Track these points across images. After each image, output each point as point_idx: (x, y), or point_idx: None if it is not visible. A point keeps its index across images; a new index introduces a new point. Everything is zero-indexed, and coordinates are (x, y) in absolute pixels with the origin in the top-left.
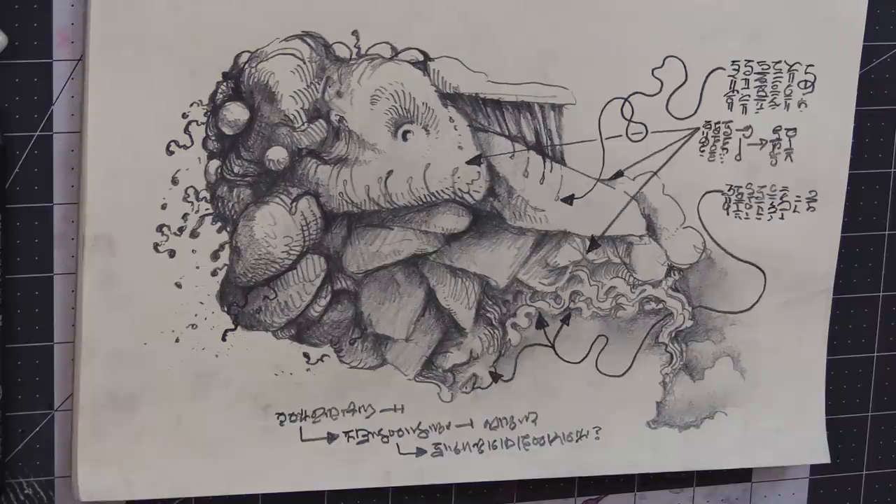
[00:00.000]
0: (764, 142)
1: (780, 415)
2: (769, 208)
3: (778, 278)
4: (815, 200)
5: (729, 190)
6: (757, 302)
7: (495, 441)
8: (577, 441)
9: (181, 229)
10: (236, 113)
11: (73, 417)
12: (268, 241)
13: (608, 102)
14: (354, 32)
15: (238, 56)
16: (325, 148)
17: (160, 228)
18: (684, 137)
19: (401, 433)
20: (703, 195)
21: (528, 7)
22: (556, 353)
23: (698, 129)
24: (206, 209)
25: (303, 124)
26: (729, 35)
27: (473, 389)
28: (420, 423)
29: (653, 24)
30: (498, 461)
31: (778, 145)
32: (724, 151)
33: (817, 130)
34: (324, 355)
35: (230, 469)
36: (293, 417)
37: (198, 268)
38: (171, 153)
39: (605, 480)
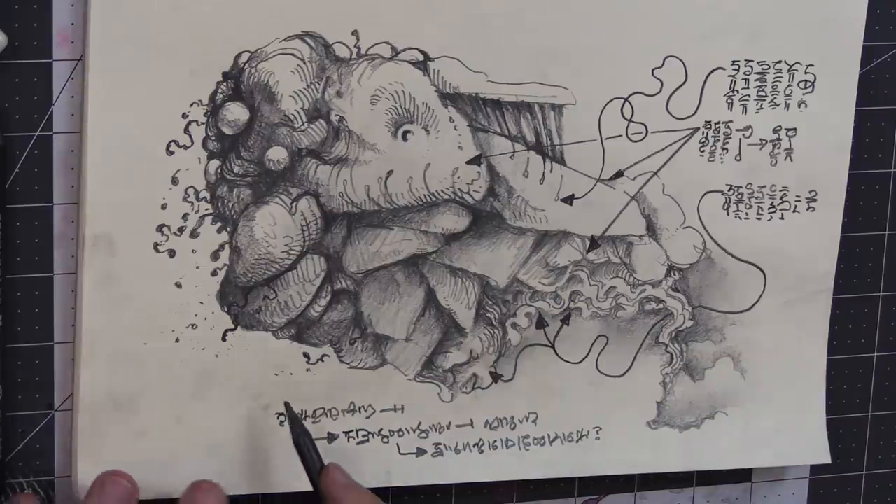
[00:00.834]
0: (764, 142)
1: (781, 415)
2: (769, 208)
3: (778, 278)
4: (815, 200)
5: (729, 190)
6: (757, 302)
7: (495, 441)
8: (577, 441)
9: (181, 229)
10: (236, 113)
11: (73, 417)
12: (268, 241)
13: (608, 102)
14: (354, 32)
15: (238, 56)
16: (325, 148)
17: (160, 228)
18: (684, 137)
19: (401, 433)
20: (703, 195)
21: (528, 7)
22: (557, 354)
23: (698, 129)
24: (206, 209)
25: (303, 124)
26: (729, 35)
27: (473, 389)
28: (420, 424)
29: (653, 24)
30: (498, 461)
31: (778, 145)
32: (724, 151)
33: (817, 130)
34: (324, 355)
35: (230, 468)
36: None
37: (198, 268)
38: (171, 153)
39: (606, 480)
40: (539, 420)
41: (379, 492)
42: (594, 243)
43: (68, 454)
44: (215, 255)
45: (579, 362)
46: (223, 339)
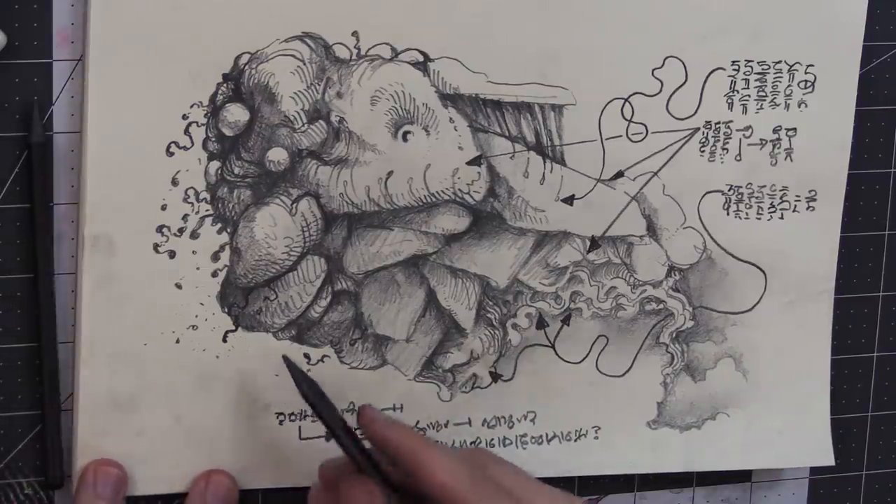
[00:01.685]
0: (764, 142)
1: (784, 416)
2: (769, 208)
3: (778, 278)
4: (815, 200)
5: (729, 190)
6: (758, 302)
7: (493, 439)
8: (575, 441)
9: (181, 230)
10: (236, 114)
11: (73, 417)
12: (268, 242)
13: (608, 103)
14: (354, 33)
15: (238, 57)
16: (325, 149)
17: (160, 229)
18: (684, 138)
19: None
20: (704, 195)
21: (528, 7)
22: (557, 354)
23: (698, 129)
24: (207, 210)
25: (303, 125)
26: (729, 35)
27: (473, 389)
28: (418, 422)
29: (653, 24)
30: None
31: (778, 145)
32: (725, 151)
33: (817, 130)
34: (324, 356)
35: (230, 466)
36: (293, 417)
37: (198, 269)
38: (171, 154)
39: (605, 480)
40: (537, 419)
41: None
42: (594, 244)
43: (68, 454)
44: (216, 256)
45: (579, 362)
46: (224, 340)
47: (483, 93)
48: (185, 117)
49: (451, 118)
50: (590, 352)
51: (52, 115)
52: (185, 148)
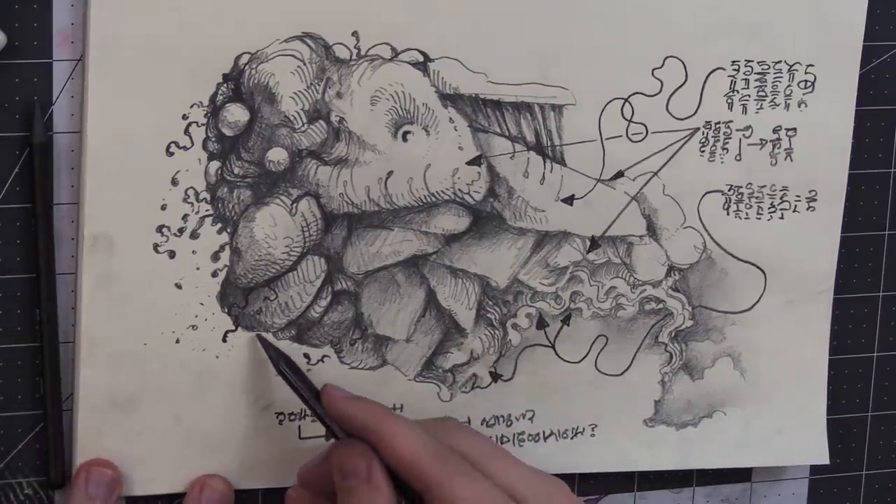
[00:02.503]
0: (764, 142)
1: (781, 415)
2: (769, 208)
3: (778, 278)
4: (815, 200)
5: (729, 190)
6: (757, 302)
7: (491, 438)
8: (571, 438)
9: (181, 230)
10: (236, 114)
11: (73, 417)
12: (268, 242)
13: (608, 103)
14: (354, 33)
15: (238, 57)
16: (325, 149)
17: (160, 229)
18: (684, 138)
19: None
20: (704, 195)
21: (529, 7)
22: (557, 354)
23: (698, 129)
24: (207, 210)
25: (303, 125)
26: (729, 35)
27: (473, 389)
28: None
29: (653, 24)
30: None
31: (778, 145)
32: (724, 151)
33: (817, 130)
34: (324, 356)
35: (230, 466)
36: (292, 416)
37: (198, 269)
38: (171, 154)
39: (605, 480)
40: (536, 417)
41: None
42: (594, 244)
43: (69, 454)
44: (215, 256)
45: (579, 362)
46: (223, 340)
47: (483, 93)
48: (185, 117)
49: (451, 118)
50: (589, 351)
51: (53, 115)
52: (185, 148)
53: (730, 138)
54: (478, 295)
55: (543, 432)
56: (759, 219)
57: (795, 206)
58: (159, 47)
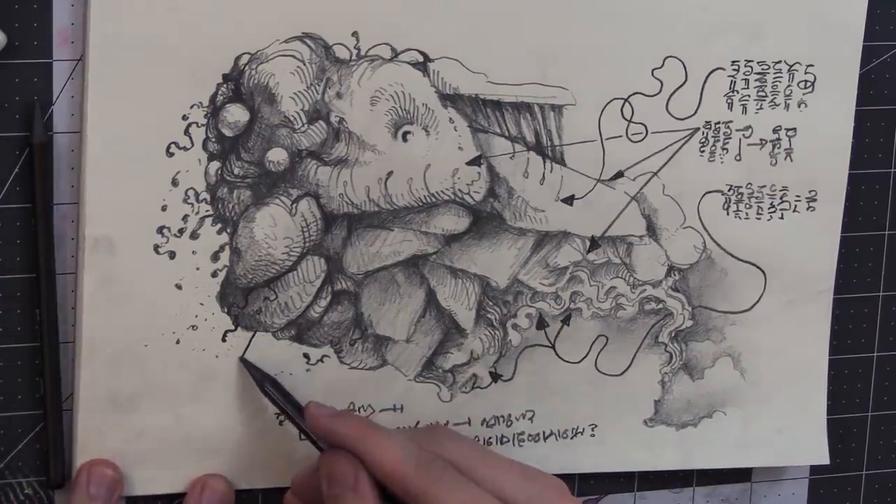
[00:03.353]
0: (764, 142)
1: (781, 415)
2: (769, 208)
3: (778, 278)
4: (815, 200)
5: (729, 190)
6: (757, 302)
7: (490, 438)
8: (571, 438)
9: (181, 231)
10: (236, 114)
11: (73, 417)
12: (268, 243)
13: (608, 103)
14: (354, 34)
15: (238, 58)
16: (325, 149)
17: (160, 230)
18: (684, 138)
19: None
20: (703, 195)
21: (528, 7)
22: (557, 354)
23: (698, 129)
24: (207, 210)
25: (303, 125)
26: (729, 35)
27: (473, 389)
28: (418, 423)
29: (653, 24)
30: None
31: (778, 145)
32: (724, 151)
33: (817, 130)
34: (324, 356)
35: (230, 466)
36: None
37: (198, 269)
38: (171, 154)
39: (605, 480)
40: (535, 417)
41: None
42: (594, 244)
43: (69, 454)
44: (215, 257)
45: (579, 362)
46: (223, 340)
47: (483, 93)
48: (185, 118)
49: (450, 118)
50: (589, 351)
51: (53, 115)
52: (185, 148)
53: (730, 138)
54: (478, 295)
55: (543, 432)
56: (759, 219)
57: (795, 206)
58: (159, 47)
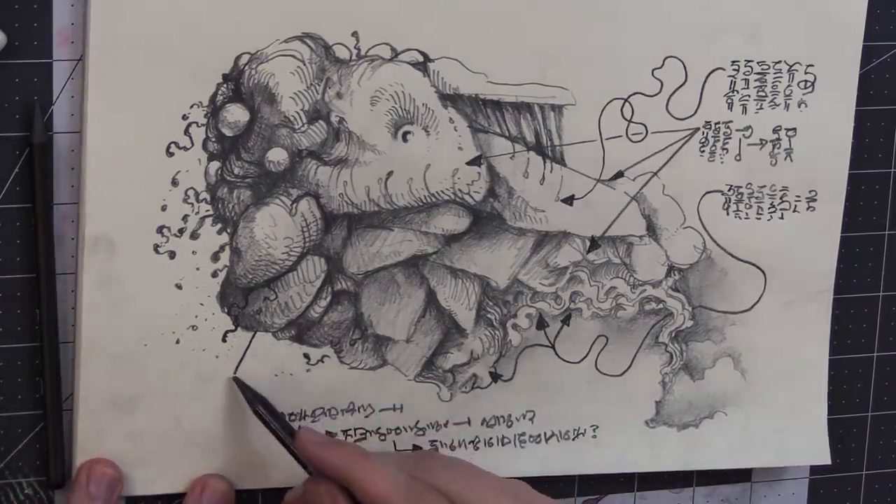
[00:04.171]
0: (764, 142)
1: (781, 415)
2: (769, 208)
3: (778, 278)
4: (815, 200)
5: (729, 190)
6: (757, 302)
7: (491, 438)
8: (573, 439)
9: (181, 231)
10: (236, 114)
11: (73, 417)
12: (268, 243)
13: (608, 103)
14: (354, 33)
15: (238, 57)
16: (325, 149)
17: (160, 230)
18: (684, 138)
19: (398, 431)
20: (703, 195)
21: (528, 7)
22: (557, 354)
23: (698, 129)
24: (207, 210)
25: (303, 125)
26: (729, 35)
27: (473, 389)
28: (418, 422)
29: (653, 24)
30: (493, 458)
31: (778, 145)
32: (724, 151)
33: (817, 130)
34: (324, 356)
35: (229, 466)
36: (292, 417)
37: (198, 269)
38: (171, 154)
39: (605, 480)
40: (536, 418)
41: None
42: (594, 244)
43: (69, 454)
44: (215, 257)
45: (579, 362)
46: (223, 340)
47: (483, 93)
48: (185, 117)
49: (450, 118)
50: (589, 351)
51: (52, 115)
52: (185, 148)
53: (730, 138)
54: (478, 295)
55: (544, 433)
56: (759, 219)
57: (795, 206)
58: (159, 47)
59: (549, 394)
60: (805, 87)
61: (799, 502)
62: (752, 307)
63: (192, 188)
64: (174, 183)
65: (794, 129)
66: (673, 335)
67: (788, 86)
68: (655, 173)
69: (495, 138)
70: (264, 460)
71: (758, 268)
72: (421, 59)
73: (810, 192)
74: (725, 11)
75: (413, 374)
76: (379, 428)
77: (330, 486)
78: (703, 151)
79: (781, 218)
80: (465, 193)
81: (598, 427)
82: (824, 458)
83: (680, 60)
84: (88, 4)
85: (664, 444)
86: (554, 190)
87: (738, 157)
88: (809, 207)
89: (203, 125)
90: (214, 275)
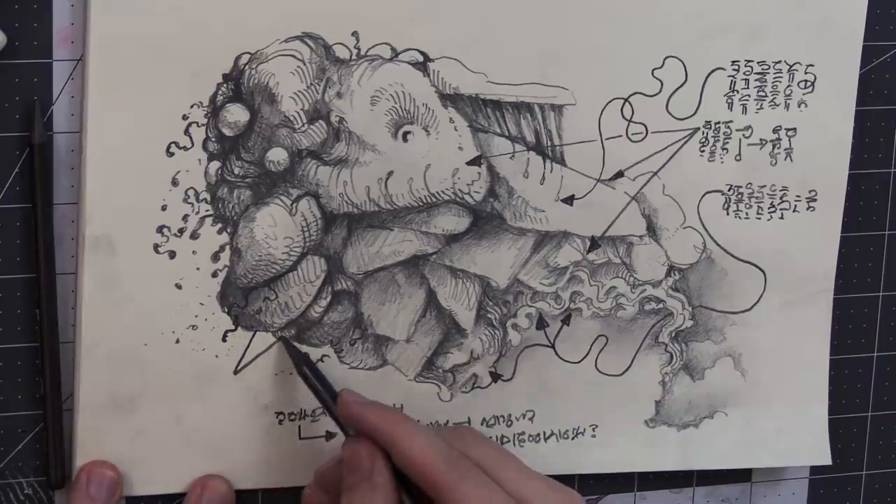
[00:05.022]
0: (764, 142)
1: (782, 415)
2: (769, 208)
3: (778, 278)
4: (815, 200)
5: (729, 190)
6: (757, 302)
7: (491, 438)
8: (572, 438)
9: (181, 230)
10: (236, 114)
11: (73, 417)
12: (268, 243)
13: (608, 103)
14: (354, 33)
15: (238, 57)
16: (325, 149)
17: (160, 229)
18: (684, 138)
19: None
20: (704, 195)
21: (528, 7)
22: (557, 354)
23: (698, 129)
24: (207, 210)
25: (303, 125)
26: (729, 35)
27: (473, 389)
28: (418, 422)
29: (653, 24)
30: None
31: (778, 145)
32: (724, 151)
33: (817, 130)
34: (324, 356)
35: (230, 466)
36: (292, 416)
37: (198, 269)
38: (171, 154)
39: (605, 480)
40: (536, 417)
41: None
42: (594, 244)
43: (69, 454)
44: (216, 257)
45: (579, 362)
46: (223, 339)
47: (483, 93)
48: (185, 117)
49: (451, 118)
50: (589, 351)
51: (52, 115)
52: (185, 148)
53: (730, 138)
54: (478, 295)
55: (544, 433)
56: (759, 219)
57: (795, 206)
58: (159, 47)
59: (549, 393)
60: (805, 87)
61: (799, 502)
62: (753, 307)
63: (192, 188)
64: (174, 183)
65: (794, 129)
66: (673, 335)
67: (788, 86)
68: (655, 173)
69: (495, 138)
70: (264, 460)
71: (758, 268)
72: (421, 59)
73: (810, 192)
74: (725, 11)
75: (413, 373)
76: None
77: (370, 445)
78: (703, 151)
79: (781, 218)
80: (465, 193)
81: (597, 427)
82: (825, 458)
83: (680, 60)
84: (88, 4)
85: (664, 444)
86: (554, 190)
87: (738, 157)
88: (809, 207)
89: (203, 125)
90: (214, 275)
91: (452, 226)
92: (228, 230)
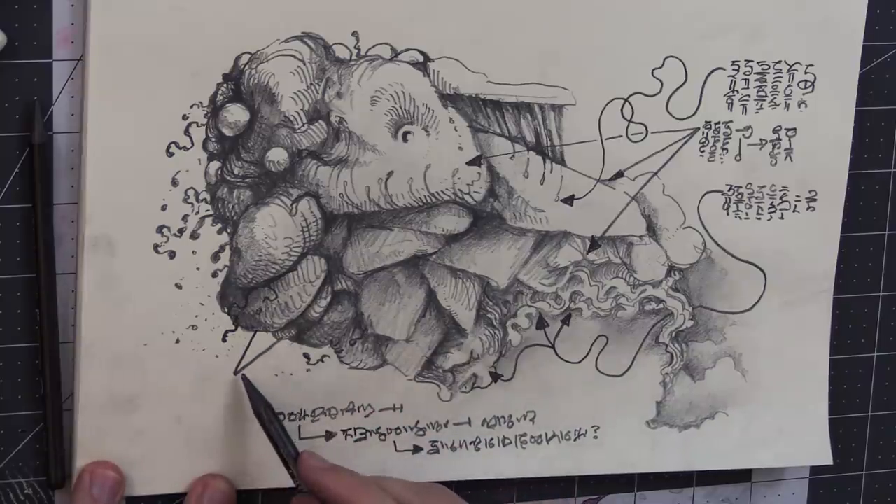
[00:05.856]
0: (764, 142)
1: (782, 415)
2: (769, 208)
3: (778, 278)
4: (815, 200)
5: (729, 190)
6: (758, 302)
7: (492, 439)
8: (574, 440)
9: (181, 230)
10: (236, 114)
11: (73, 417)
12: (268, 243)
13: (608, 103)
14: (354, 33)
15: (238, 57)
16: (325, 149)
17: (160, 229)
18: (684, 138)
19: (398, 431)
20: (704, 195)
21: (528, 7)
22: (557, 354)
23: (698, 129)
24: (207, 210)
25: (303, 125)
26: (729, 35)
27: (473, 389)
28: (418, 422)
29: (653, 24)
30: (494, 459)
31: (778, 145)
32: (724, 151)
33: (817, 130)
34: (324, 356)
35: (230, 466)
36: (292, 416)
37: (198, 269)
38: (171, 154)
39: (606, 480)
40: (537, 419)
41: None
42: (594, 244)
43: (69, 454)
44: (216, 257)
45: (579, 362)
46: (223, 339)
47: (483, 93)
48: (185, 117)
49: (451, 118)
50: (589, 351)
51: (52, 115)
52: (185, 148)
53: (730, 138)
54: (478, 295)
55: (545, 434)
56: (759, 219)
57: (795, 206)
58: (159, 47)
59: (550, 394)
60: (805, 87)
61: (799, 502)
62: (753, 307)
63: (192, 188)
64: (174, 183)
65: (794, 129)
66: (673, 335)
67: (788, 86)
68: (655, 173)
69: (495, 138)
70: (264, 460)
71: (758, 268)
72: (421, 59)
73: (810, 192)
74: (725, 11)
75: (413, 373)
76: (379, 428)
77: None
78: (703, 151)
79: (781, 218)
80: (465, 193)
81: (598, 428)
82: (825, 458)
83: (680, 60)
84: (88, 4)
85: (665, 445)
86: (554, 190)
87: (738, 157)
88: (809, 207)
89: (203, 125)
90: (214, 275)
91: (452, 226)
92: (228, 230)
